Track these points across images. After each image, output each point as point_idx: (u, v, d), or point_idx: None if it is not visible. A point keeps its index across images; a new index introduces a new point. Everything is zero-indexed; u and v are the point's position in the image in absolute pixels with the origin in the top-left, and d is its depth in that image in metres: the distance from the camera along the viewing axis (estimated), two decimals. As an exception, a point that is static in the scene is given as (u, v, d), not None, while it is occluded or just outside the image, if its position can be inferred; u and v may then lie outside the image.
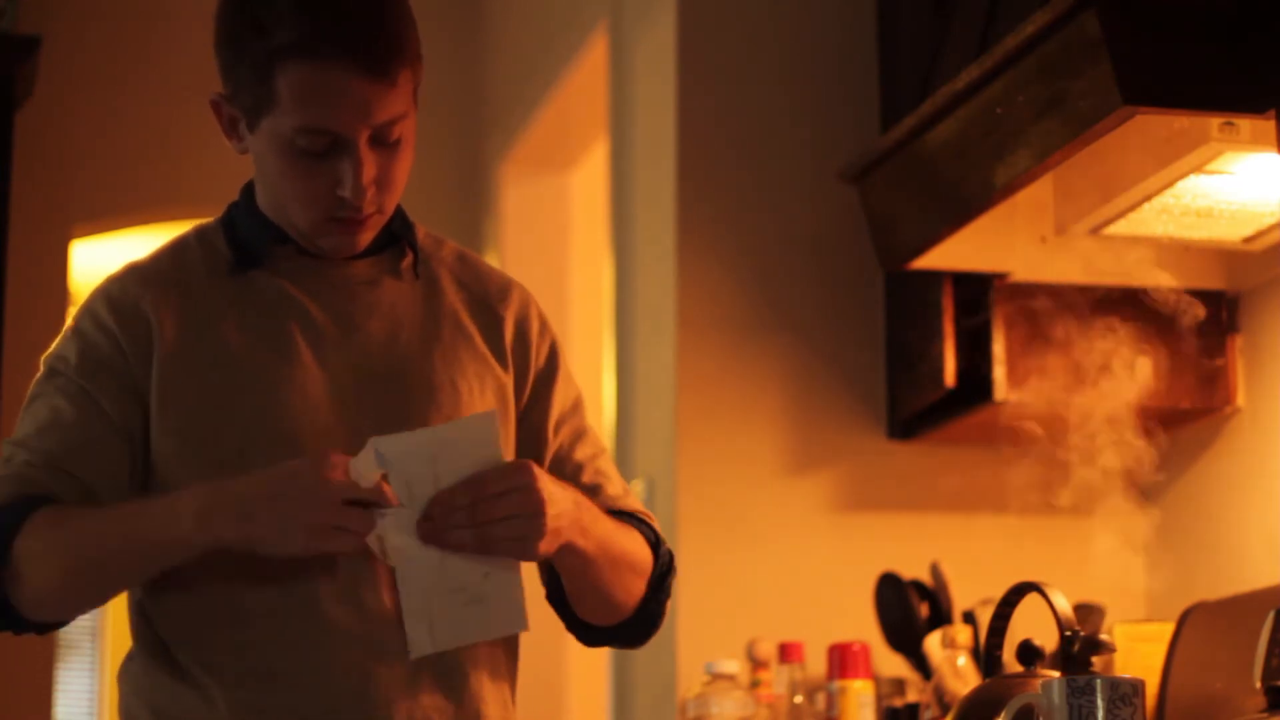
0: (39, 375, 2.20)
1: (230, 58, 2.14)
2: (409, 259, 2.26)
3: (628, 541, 2.21)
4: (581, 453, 2.29)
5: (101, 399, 2.14)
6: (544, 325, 2.30)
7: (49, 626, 2.15)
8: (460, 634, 2.11)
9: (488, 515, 2.03)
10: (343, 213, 2.13)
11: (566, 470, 2.26)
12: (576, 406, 2.32)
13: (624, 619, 2.26)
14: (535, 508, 2.03)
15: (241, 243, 2.21)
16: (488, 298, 2.28)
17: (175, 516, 2.04)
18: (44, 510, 2.09)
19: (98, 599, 2.14)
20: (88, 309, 2.19)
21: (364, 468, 2.01)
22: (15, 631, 2.13)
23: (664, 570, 2.26)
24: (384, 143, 2.12)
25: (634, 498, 2.31)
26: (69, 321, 2.21)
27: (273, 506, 2.00)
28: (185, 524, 2.03)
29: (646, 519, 2.28)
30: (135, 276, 2.21)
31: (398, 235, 2.25)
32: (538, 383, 2.27)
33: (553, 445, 2.28)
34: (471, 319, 2.25)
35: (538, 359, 2.28)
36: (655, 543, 2.26)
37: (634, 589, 2.23)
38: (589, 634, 2.29)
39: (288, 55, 2.07)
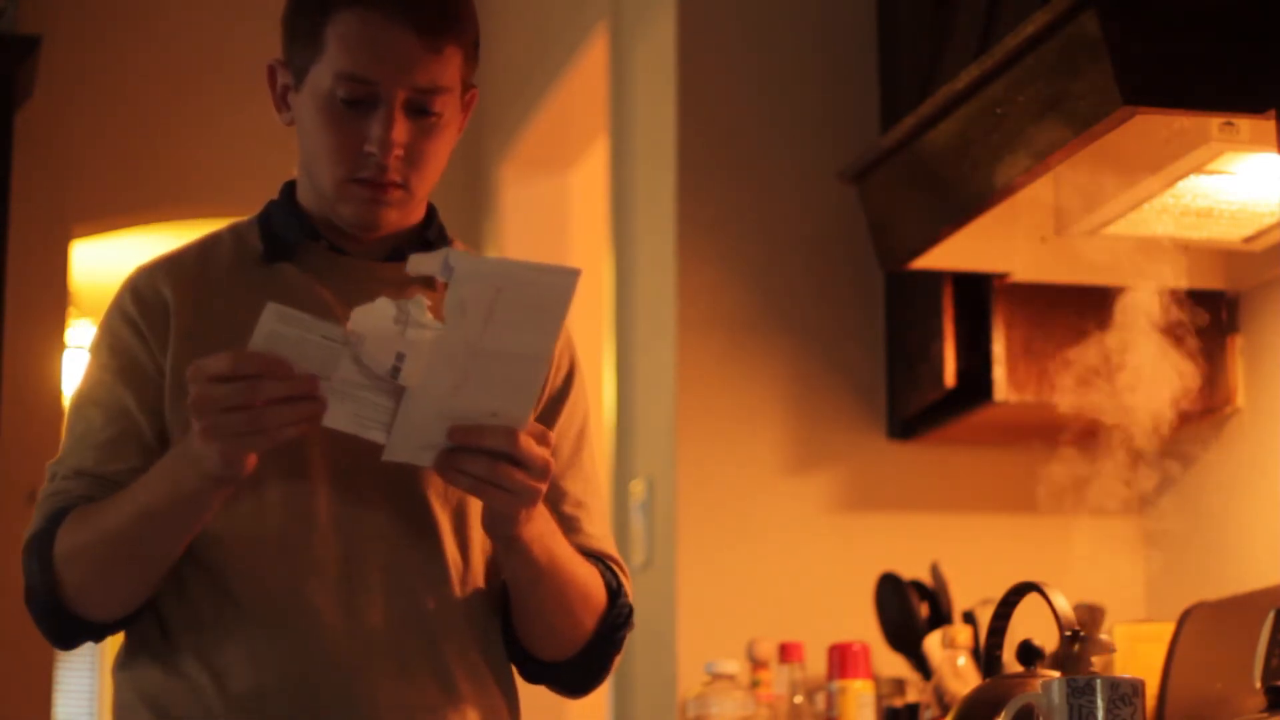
0: (80, 379, 2.23)
1: (290, 12, 2.19)
2: None
3: (581, 571, 2.19)
4: (570, 483, 2.27)
5: (130, 398, 2.15)
6: (567, 345, 2.29)
7: (114, 627, 2.15)
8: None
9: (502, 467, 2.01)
10: (365, 172, 2.14)
11: (549, 494, 2.22)
12: (581, 434, 2.30)
13: (568, 657, 2.23)
14: (542, 473, 2.03)
15: (273, 235, 2.23)
16: None
17: (173, 471, 2.04)
18: (71, 513, 2.11)
19: (138, 582, 2.10)
20: (116, 301, 2.22)
21: (425, 263, 1.97)
22: (95, 640, 2.16)
23: (618, 621, 2.23)
24: (421, 112, 2.14)
25: (609, 543, 2.28)
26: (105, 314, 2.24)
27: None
28: (187, 476, 2.02)
29: (616, 567, 2.26)
30: (161, 266, 2.23)
31: (433, 244, 2.24)
32: (550, 400, 2.26)
33: None
34: None
35: (556, 376, 2.27)
36: (616, 590, 2.23)
37: (581, 622, 2.20)
38: (531, 668, 2.25)
39: (342, 2, 2.12)
